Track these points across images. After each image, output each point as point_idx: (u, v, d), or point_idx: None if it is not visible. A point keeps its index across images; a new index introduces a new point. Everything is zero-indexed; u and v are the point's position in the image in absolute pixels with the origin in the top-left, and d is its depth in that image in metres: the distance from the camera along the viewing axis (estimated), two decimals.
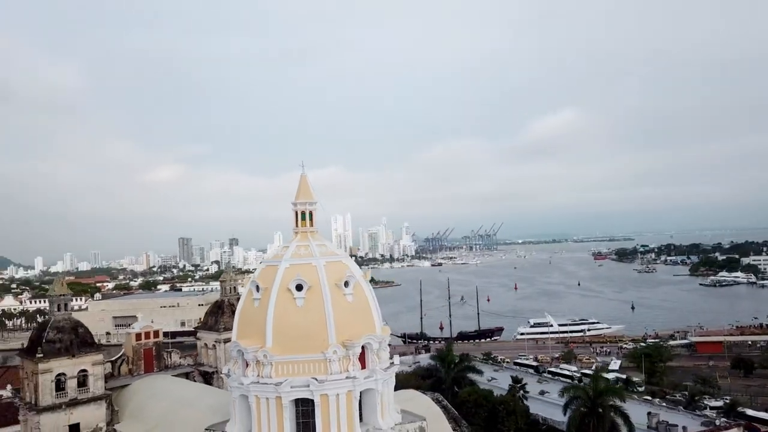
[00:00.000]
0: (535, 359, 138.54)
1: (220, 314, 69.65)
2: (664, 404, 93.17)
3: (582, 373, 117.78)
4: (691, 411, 75.54)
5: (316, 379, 40.27)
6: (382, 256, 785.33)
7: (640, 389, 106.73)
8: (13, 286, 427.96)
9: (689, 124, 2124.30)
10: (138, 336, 65.40)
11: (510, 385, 70.14)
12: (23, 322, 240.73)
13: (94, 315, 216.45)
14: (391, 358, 45.85)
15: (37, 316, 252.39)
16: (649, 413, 65.74)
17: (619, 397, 55.62)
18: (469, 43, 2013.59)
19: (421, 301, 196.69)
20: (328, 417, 40.30)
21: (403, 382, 70.71)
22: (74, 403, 55.19)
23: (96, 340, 62.03)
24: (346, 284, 43.41)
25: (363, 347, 42.46)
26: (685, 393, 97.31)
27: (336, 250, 48.06)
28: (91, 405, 56.27)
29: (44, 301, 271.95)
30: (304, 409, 41.12)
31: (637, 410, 68.21)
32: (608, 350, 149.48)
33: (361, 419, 42.75)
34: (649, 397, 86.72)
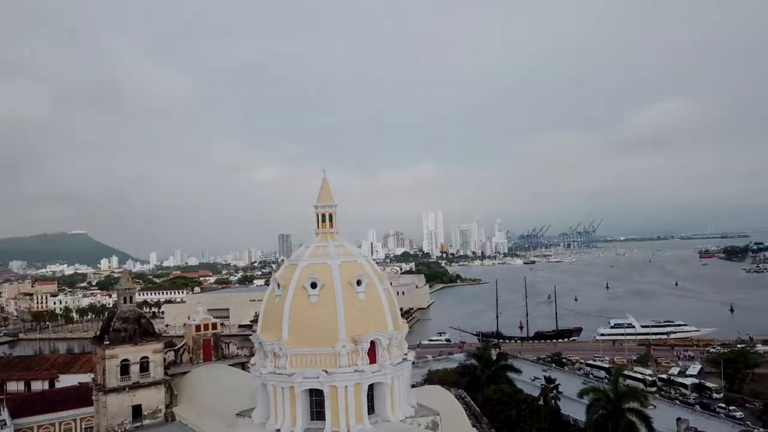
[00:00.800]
0: (611, 361, 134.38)
1: None
2: (733, 411, 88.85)
3: (659, 377, 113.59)
4: (727, 417, 71.75)
5: (326, 372, 43.25)
6: (473, 253, 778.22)
7: (718, 396, 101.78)
8: None
9: None
10: (198, 327, 70.82)
11: (542, 385, 69.77)
12: None
13: (191, 307, 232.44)
14: (405, 354, 47.95)
15: (143, 307, 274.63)
16: (678, 419, 63.13)
17: (639, 401, 54.12)
18: (566, 33, 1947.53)
19: (497, 299, 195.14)
20: (337, 407, 43.17)
21: (443, 378, 72.57)
22: (137, 386, 61.43)
23: None
24: (359, 283, 46.05)
25: (373, 342, 44.91)
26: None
27: (353, 250, 50.75)
28: (151, 389, 62.34)
29: (149, 293, 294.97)
30: (318, 399, 44.27)
31: (669, 415, 66.02)
32: (692, 354, 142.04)
33: (373, 411, 45.32)
34: (671, 400, 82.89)
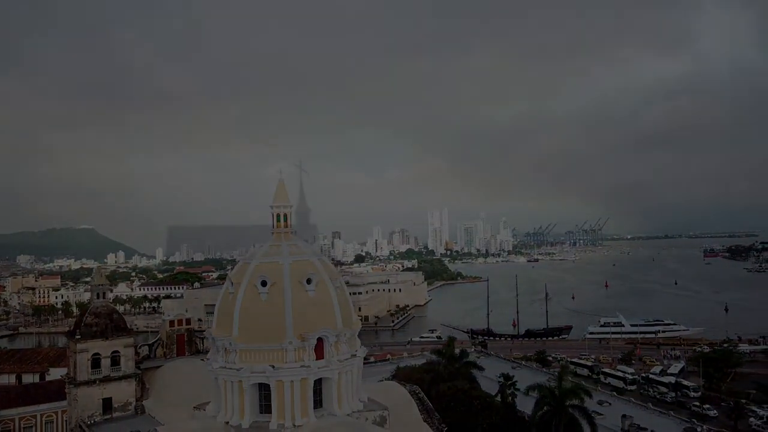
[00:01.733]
0: (596, 360, 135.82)
1: None
2: (707, 410, 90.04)
3: (641, 376, 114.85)
4: (684, 417, 73.09)
5: (273, 367, 44.82)
6: (477, 250, 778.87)
7: (695, 394, 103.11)
8: (133, 274, 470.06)
9: None
10: (171, 323, 72.65)
11: (499, 381, 71.21)
12: (129, 307, 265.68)
13: (188, 302, 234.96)
14: (356, 351, 49.39)
15: (144, 302, 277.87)
16: (623, 416, 64.48)
17: (579, 398, 55.28)
18: (574, 31, 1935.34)
19: (488, 297, 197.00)
20: (282, 401, 44.72)
21: (409, 374, 74.14)
22: (107, 380, 63.17)
23: None
24: (309, 281, 47.48)
25: (320, 339, 46.39)
26: (740, 400, 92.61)
27: (306, 249, 52.27)
28: (122, 382, 64.06)
29: (150, 289, 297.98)
30: (266, 393, 45.77)
31: (621, 412, 67.48)
32: (678, 353, 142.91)
33: (321, 405, 46.86)
34: (624, 398, 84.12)
